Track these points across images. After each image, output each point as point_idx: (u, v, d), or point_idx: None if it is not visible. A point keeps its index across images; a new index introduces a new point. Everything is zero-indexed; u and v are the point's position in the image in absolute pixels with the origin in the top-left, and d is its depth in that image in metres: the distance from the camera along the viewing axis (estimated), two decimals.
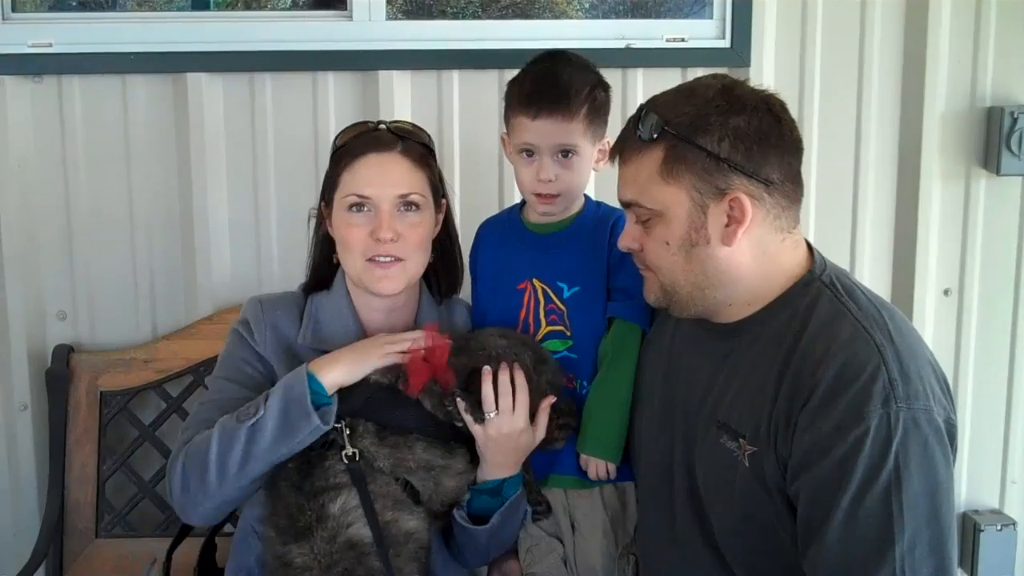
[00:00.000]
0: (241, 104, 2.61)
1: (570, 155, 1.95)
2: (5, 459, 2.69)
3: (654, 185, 1.65)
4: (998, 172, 2.65)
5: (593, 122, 1.95)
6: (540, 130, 1.93)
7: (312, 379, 1.81)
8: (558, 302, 2.00)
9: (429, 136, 2.03)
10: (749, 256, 1.66)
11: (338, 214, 1.95)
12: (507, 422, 1.85)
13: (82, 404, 2.59)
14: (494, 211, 2.63)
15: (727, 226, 1.63)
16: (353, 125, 2.02)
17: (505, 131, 2.03)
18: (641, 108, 1.69)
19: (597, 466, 1.95)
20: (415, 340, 1.88)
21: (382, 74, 2.57)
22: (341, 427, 1.83)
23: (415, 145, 1.98)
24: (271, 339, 1.98)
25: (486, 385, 1.85)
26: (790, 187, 1.65)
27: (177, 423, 2.60)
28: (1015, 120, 2.62)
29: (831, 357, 1.55)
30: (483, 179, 2.66)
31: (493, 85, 2.61)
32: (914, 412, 1.52)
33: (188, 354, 2.61)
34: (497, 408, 1.85)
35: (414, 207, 1.93)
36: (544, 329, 2.01)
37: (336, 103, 2.62)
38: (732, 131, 1.60)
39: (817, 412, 1.54)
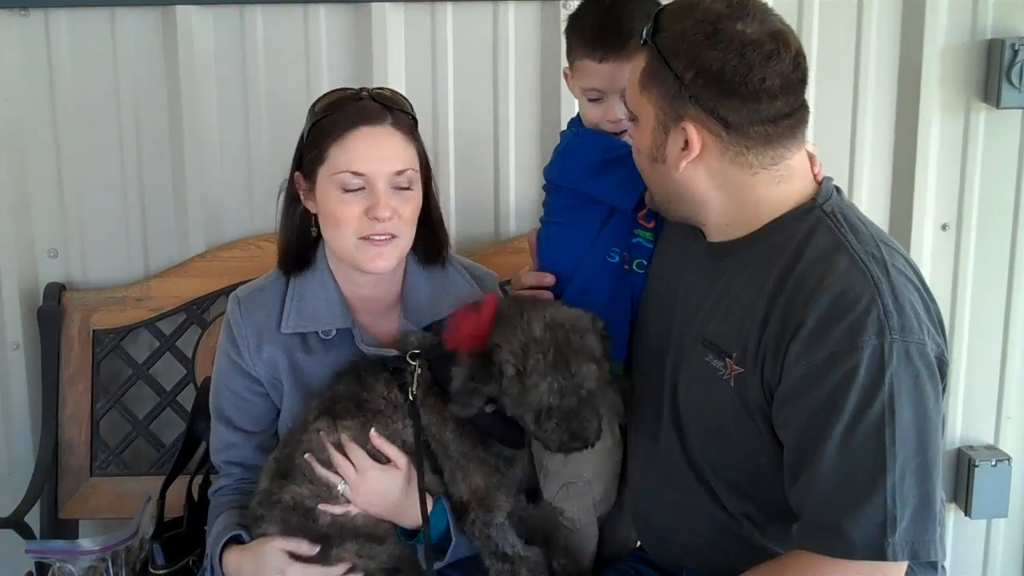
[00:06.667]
0: (232, 38, 2.56)
1: None
2: None
3: (635, 90, 1.68)
4: (998, 105, 2.61)
5: None
6: (607, 74, 1.88)
7: None
8: None
9: (411, 104, 1.96)
10: (707, 184, 1.66)
11: (326, 190, 1.87)
12: (364, 485, 1.83)
13: (75, 343, 2.58)
14: (488, 148, 2.64)
15: (682, 150, 1.63)
16: (333, 92, 1.95)
17: (568, 67, 1.97)
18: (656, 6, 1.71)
19: None
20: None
21: (375, 6, 2.52)
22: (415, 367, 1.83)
23: (403, 116, 1.90)
24: (254, 346, 1.96)
25: (319, 468, 1.83)
26: (759, 130, 1.60)
27: (170, 361, 2.60)
28: (1016, 52, 2.58)
29: (826, 287, 1.55)
30: (477, 115, 2.63)
31: (487, 17, 2.58)
32: (907, 345, 1.52)
33: (181, 292, 2.59)
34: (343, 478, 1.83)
35: (408, 183, 1.87)
36: None
37: (328, 36, 2.57)
38: (699, 64, 1.58)
39: (810, 341, 1.54)
